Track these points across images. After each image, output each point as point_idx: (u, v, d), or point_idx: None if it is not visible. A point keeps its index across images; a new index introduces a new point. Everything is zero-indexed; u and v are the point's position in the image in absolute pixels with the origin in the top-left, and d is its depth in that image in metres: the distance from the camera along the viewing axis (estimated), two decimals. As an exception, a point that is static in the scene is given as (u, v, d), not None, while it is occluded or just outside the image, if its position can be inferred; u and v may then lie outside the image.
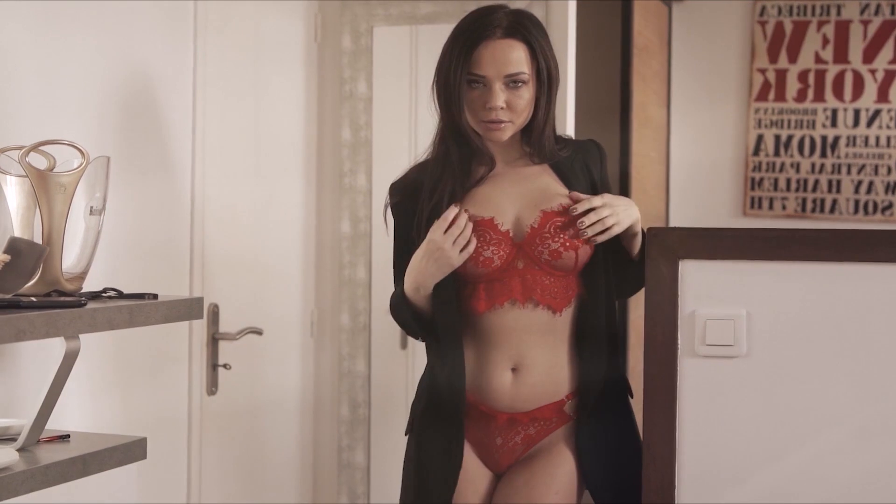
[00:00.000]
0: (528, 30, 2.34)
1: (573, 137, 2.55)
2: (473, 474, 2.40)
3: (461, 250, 2.30)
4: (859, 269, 2.09)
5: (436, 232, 2.30)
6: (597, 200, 2.32)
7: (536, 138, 2.39)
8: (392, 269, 2.49)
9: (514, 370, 2.35)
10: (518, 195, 2.38)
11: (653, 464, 2.14)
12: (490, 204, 2.36)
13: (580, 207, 2.32)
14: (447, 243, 2.30)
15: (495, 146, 2.40)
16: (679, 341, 2.15)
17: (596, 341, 2.36)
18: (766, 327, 2.12)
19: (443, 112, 2.38)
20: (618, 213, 2.32)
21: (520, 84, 2.33)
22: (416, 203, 2.41)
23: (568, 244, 2.31)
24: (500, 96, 2.31)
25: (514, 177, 2.40)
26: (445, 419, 2.38)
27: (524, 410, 2.35)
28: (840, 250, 2.10)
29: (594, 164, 2.45)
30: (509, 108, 2.33)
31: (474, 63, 2.32)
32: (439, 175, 2.39)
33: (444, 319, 2.36)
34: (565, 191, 2.38)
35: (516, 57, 2.32)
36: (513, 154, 2.42)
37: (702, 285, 2.15)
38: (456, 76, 2.32)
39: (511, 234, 2.34)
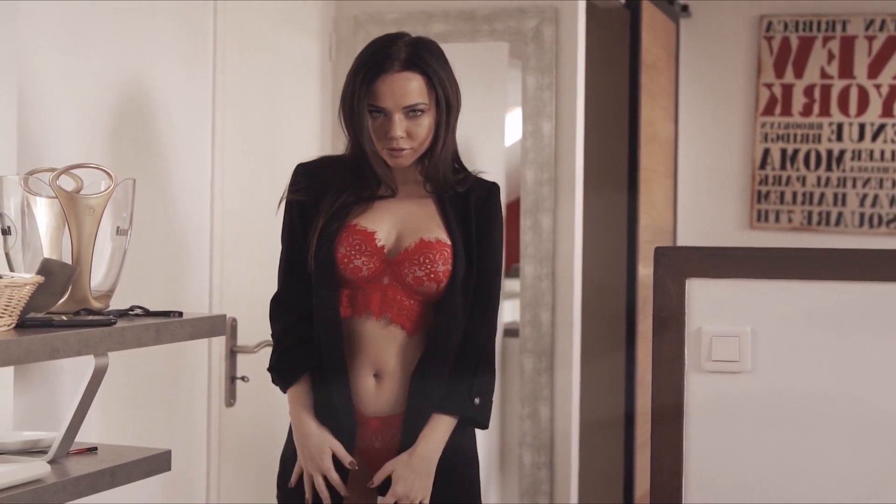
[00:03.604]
0: (425, 61, 2.43)
1: (483, 177, 2.58)
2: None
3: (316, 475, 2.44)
4: (863, 288, 2.09)
5: (326, 461, 2.43)
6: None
7: (432, 165, 2.48)
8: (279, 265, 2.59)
9: (376, 376, 2.47)
10: (404, 217, 2.49)
11: (660, 476, 2.17)
12: (376, 219, 2.47)
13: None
14: (314, 470, 2.43)
15: (396, 169, 2.50)
16: (686, 357, 2.18)
17: (437, 366, 2.45)
18: (771, 344, 2.13)
19: (350, 137, 2.49)
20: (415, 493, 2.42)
21: (419, 113, 2.43)
22: (318, 206, 2.49)
23: (432, 276, 2.43)
24: (399, 126, 2.41)
25: (406, 200, 2.51)
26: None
27: (393, 414, 2.47)
28: (844, 269, 2.10)
29: (476, 208, 2.50)
30: (409, 136, 2.43)
31: (374, 95, 2.42)
32: (345, 186, 2.49)
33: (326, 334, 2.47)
34: (442, 227, 2.47)
35: (413, 88, 2.41)
36: (408, 176, 2.52)
37: (708, 303, 2.16)
38: (359, 107, 2.42)
39: (385, 251, 2.45)
